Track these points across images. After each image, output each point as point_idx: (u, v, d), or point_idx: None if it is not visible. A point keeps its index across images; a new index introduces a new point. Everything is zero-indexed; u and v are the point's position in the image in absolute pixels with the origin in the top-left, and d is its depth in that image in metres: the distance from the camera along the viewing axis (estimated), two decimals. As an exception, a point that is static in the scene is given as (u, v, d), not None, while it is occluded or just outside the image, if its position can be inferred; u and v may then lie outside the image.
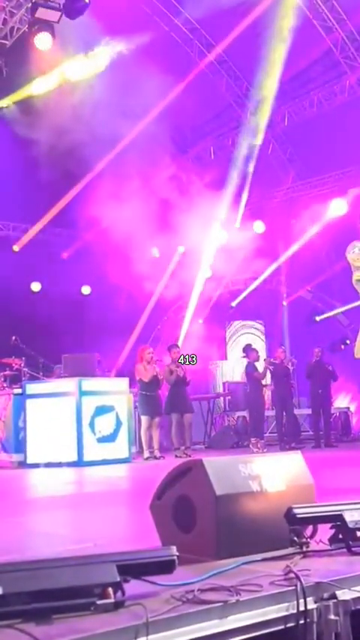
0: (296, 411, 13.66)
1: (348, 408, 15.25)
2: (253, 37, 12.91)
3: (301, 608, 2.28)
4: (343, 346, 15.14)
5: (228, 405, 15.38)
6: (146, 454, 10.69)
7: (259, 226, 15.66)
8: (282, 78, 13.38)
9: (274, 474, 3.12)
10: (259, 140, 14.15)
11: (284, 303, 16.98)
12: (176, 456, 10.46)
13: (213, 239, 15.47)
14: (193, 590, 2.25)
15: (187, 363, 11.62)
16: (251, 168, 14.54)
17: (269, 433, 13.75)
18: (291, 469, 3.22)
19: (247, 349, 12.81)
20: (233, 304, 16.97)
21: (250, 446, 11.75)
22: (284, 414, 12.65)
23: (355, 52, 13.23)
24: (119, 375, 12.90)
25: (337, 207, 14.26)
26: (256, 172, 14.74)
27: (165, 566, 2.34)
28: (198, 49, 14.33)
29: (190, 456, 9.90)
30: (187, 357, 11.64)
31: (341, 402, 15.91)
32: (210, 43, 14.18)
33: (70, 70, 12.39)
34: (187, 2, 13.54)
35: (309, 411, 13.56)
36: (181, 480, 3.00)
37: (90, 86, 12.66)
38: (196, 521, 2.92)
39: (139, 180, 13.28)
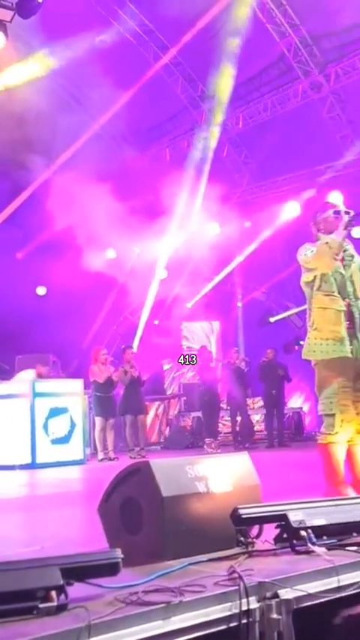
0: (250, 411, 13.77)
1: (301, 408, 15.44)
2: (207, 39, 13.00)
3: (244, 608, 2.32)
4: (296, 347, 15.32)
5: (183, 405, 15.44)
6: (101, 455, 10.66)
7: (214, 228, 15.75)
8: (236, 81, 13.49)
9: (221, 475, 3.16)
10: (213, 142, 14.23)
11: (239, 304, 17.12)
12: (130, 457, 10.44)
13: (169, 240, 15.52)
14: (137, 592, 2.28)
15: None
16: (206, 170, 14.62)
17: (224, 433, 13.84)
18: (237, 470, 3.26)
19: (202, 350, 12.90)
20: (189, 305, 17.03)
21: (205, 446, 11.83)
22: (238, 414, 12.77)
23: (308, 57, 13.39)
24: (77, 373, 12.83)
25: (291, 210, 14.43)
26: (211, 174, 14.82)
27: (109, 569, 2.36)
28: (153, 50, 14.35)
29: (144, 457, 9.91)
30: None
31: (295, 401, 16.11)
32: (165, 45, 14.20)
33: (21, 70, 12.29)
34: (143, 4, 13.55)
35: (263, 411, 13.68)
36: (129, 482, 3.02)
37: (43, 86, 12.58)
38: (143, 523, 2.94)
39: (94, 180, 13.23)
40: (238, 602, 2.32)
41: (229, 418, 13.18)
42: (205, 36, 12.94)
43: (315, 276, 4.60)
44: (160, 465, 2.99)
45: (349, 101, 13.85)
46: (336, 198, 11.96)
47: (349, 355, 4.48)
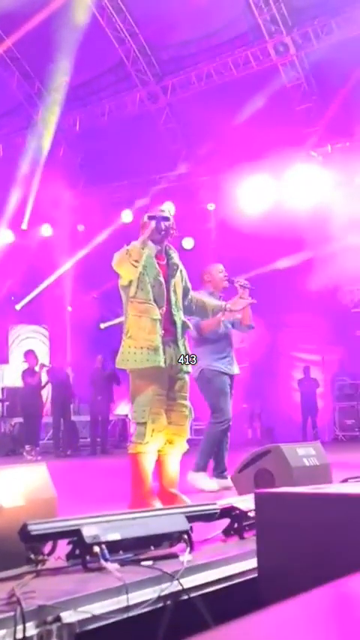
0: (75, 418, 13.54)
1: (127, 415, 15.43)
2: (46, 36, 12.68)
3: (19, 636, 2.13)
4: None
5: (5, 410, 14.88)
6: None
7: (46, 229, 15.41)
8: (75, 82, 13.28)
9: (13, 488, 2.94)
10: (48, 142, 13.90)
11: (69, 308, 16.84)
12: None
13: (-2, 239, 14.99)
14: None
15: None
16: (39, 169, 14.25)
17: (47, 440, 13.49)
18: (32, 482, 3.06)
19: (27, 354, 12.52)
20: (17, 307, 16.51)
21: (25, 453, 11.45)
22: (62, 420, 12.50)
23: (146, 66, 13.46)
24: None
25: (124, 217, 14.43)
26: (45, 174, 14.47)
27: None
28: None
29: None
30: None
31: (122, 409, 16.07)
32: (1, 37, 13.69)
33: None
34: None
35: (88, 418, 13.50)
36: None
37: None
38: None
39: None
40: (13, 629, 2.13)
41: (52, 424, 12.87)
42: (44, 32, 12.62)
43: (130, 282, 4.51)
44: None
45: (184, 114, 14.08)
46: (167, 208, 12.15)
47: (163, 365, 4.43)
